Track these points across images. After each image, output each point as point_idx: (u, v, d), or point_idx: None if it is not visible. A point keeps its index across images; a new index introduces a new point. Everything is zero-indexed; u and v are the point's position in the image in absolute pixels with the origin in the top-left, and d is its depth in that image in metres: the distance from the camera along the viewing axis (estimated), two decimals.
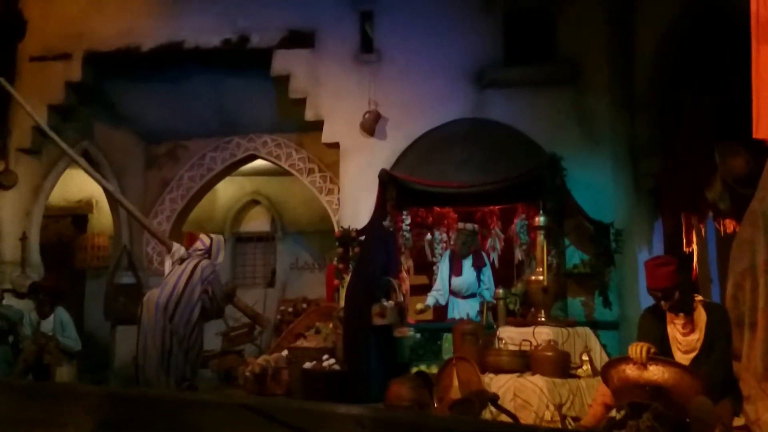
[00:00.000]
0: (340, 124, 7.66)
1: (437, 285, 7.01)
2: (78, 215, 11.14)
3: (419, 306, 6.66)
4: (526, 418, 3.68)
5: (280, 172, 10.70)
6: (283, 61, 7.87)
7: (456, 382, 3.95)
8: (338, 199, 8.81)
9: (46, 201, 8.35)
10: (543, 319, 4.74)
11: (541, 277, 4.76)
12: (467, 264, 7.03)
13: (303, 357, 6.42)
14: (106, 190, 7.61)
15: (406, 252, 7.28)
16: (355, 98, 7.59)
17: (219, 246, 6.34)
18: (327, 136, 7.72)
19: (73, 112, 8.43)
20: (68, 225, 11.15)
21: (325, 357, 6.16)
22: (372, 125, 7.46)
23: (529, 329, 4.51)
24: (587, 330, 4.74)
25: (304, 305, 10.28)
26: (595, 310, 6.67)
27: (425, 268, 7.70)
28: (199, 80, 8.48)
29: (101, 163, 8.83)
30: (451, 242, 7.22)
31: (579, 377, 4.18)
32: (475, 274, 7.02)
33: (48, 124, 8.05)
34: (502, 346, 4.56)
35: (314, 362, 6.16)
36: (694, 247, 6.91)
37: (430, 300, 6.95)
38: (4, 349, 7.06)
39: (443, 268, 7.04)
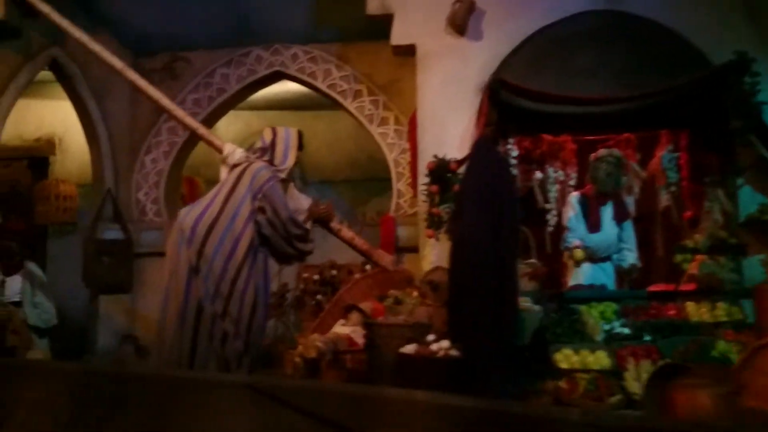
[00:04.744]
0: (417, 19, 6.02)
1: (571, 242, 5.38)
2: (36, 157, 9.35)
3: (580, 253, 5.02)
4: None
5: (297, 105, 9.04)
6: None
7: None
8: (395, 130, 7.16)
9: (2, 125, 6.52)
10: None
11: None
12: (607, 215, 5.44)
13: (391, 337, 4.78)
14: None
15: None
16: None
17: (288, 143, 4.46)
18: (398, 36, 6.05)
19: (38, 7, 6.53)
20: (24, 170, 9.39)
21: (431, 338, 4.51)
22: (463, 20, 5.85)
23: None
24: None
25: (333, 272, 8.65)
26: None
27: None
28: None
29: (75, 78, 7.10)
30: (587, 177, 5.61)
31: None
32: (616, 229, 5.43)
33: (5, 18, 6.27)
34: None
35: (414, 345, 4.51)
36: None
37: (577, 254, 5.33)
38: None
39: (574, 218, 5.40)
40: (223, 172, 4.66)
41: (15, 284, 5.51)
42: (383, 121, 7.30)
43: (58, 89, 7.98)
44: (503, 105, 5.56)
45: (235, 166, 4.41)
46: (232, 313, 4.01)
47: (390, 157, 7.21)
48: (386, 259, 5.62)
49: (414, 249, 6.62)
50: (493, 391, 4.10)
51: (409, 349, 4.54)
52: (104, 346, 7.09)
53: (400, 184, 7.12)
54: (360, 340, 5.65)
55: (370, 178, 9.22)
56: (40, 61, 6.83)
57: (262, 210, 4.16)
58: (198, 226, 4.00)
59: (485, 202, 4.47)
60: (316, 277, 8.87)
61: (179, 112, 5.23)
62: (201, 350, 3.92)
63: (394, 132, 7.22)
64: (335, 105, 8.10)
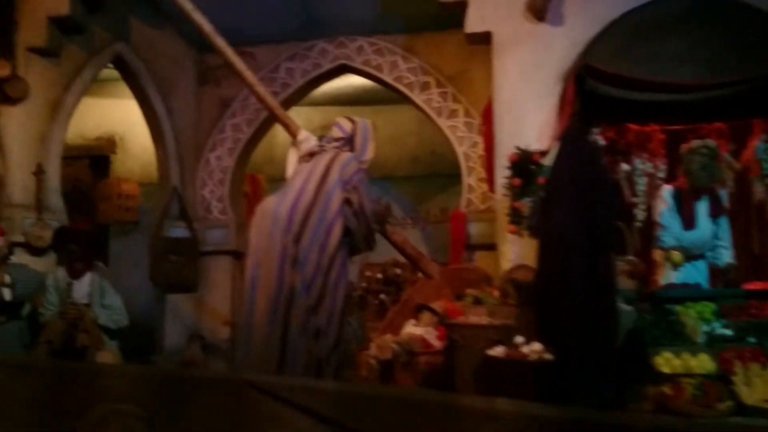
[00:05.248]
0: (493, 4, 5.78)
1: (666, 240, 5.04)
2: (97, 156, 9.29)
3: (678, 256, 4.72)
4: None
5: (358, 100, 8.85)
6: None
7: None
8: (465, 122, 6.91)
9: (68, 122, 6.47)
10: None
11: None
12: (702, 211, 5.07)
13: (475, 339, 4.56)
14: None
15: None
16: None
17: (366, 135, 4.32)
18: (473, 23, 5.81)
19: (103, 3, 6.51)
20: (85, 168, 9.31)
21: (519, 340, 4.25)
22: (543, 5, 5.60)
23: None
24: None
25: (397, 270, 8.44)
26: None
27: None
28: None
29: (140, 74, 7.00)
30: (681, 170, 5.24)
31: None
32: (711, 226, 5.07)
33: (70, 14, 6.18)
34: None
35: (503, 347, 4.27)
36: None
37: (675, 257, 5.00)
38: (16, 326, 5.29)
39: (667, 213, 5.05)
40: (292, 157, 4.49)
41: (82, 287, 5.36)
42: (452, 114, 7.04)
43: (119, 88, 7.92)
44: (588, 93, 5.30)
45: (312, 154, 4.22)
46: (326, 307, 3.82)
47: (459, 150, 6.94)
48: (433, 268, 5.44)
49: (486, 246, 6.37)
50: (590, 397, 3.84)
51: (498, 351, 4.28)
52: (171, 346, 6.99)
53: (470, 179, 6.85)
54: (433, 341, 5.42)
55: (432, 174, 9.00)
56: (104, 57, 6.74)
57: (348, 202, 3.98)
58: (295, 214, 3.82)
59: (578, 195, 4.18)
60: (379, 275, 8.69)
61: (260, 89, 5.06)
62: (291, 346, 3.72)
63: (464, 125, 6.95)
64: (397, 100, 7.90)
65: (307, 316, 3.75)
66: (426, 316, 5.51)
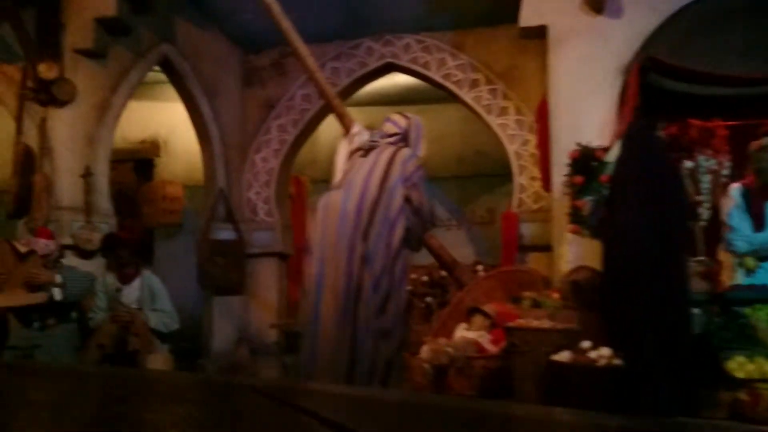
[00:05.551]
0: None
1: (738, 244, 4.81)
2: (141, 159, 9.27)
3: (752, 262, 4.51)
4: None
5: (401, 100, 8.71)
6: None
7: None
8: (515, 120, 6.73)
9: (115, 124, 6.42)
10: None
11: None
12: None
13: (538, 343, 4.36)
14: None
15: None
16: None
17: (419, 131, 4.19)
18: (528, 17, 5.66)
19: (148, 3, 6.45)
20: (129, 172, 9.28)
21: (586, 344, 4.06)
22: None
23: None
24: None
25: (443, 273, 8.27)
26: None
27: None
28: None
29: (186, 76, 6.92)
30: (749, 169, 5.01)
31: None
32: None
33: (117, 15, 6.14)
34: None
35: (568, 352, 4.09)
36: None
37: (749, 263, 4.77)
38: (66, 329, 5.26)
39: (736, 213, 4.82)
40: (342, 150, 4.36)
41: (132, 292, 5.30)
42: (503, 111, 6.85)
43: (162, 91, 7.90)
44: (649, 87, 5.10)
45: (366, 149, 4.09)
46: (391, 307, 3.69)
47: (510, 149, 6.76)
48: (468, 275, 5.29)
49: (540, 247, 6.19)
50: (662, 404, 3.65)
51: (563, 356, 4.10)
52: (219, 349, 6.91)
53: (522, 178, 6.66)
54: (487, 345, 5.24)
55: (478, 174, 8.84)
56: (151, 59, 6.67)
57: (407, 199, 3.84)
58: (362, 210, 3.70)
59: (647, 193, 4.00)
60: (424, 278, 8.51)
61: (320, 76, 4.94)
62: (360, 347, 3.59)
63: (515, 122, 6.77)
64: (440, 98, 7.74)
65: (374, 316, 3.62)
66: (478, 319, 5.31)
